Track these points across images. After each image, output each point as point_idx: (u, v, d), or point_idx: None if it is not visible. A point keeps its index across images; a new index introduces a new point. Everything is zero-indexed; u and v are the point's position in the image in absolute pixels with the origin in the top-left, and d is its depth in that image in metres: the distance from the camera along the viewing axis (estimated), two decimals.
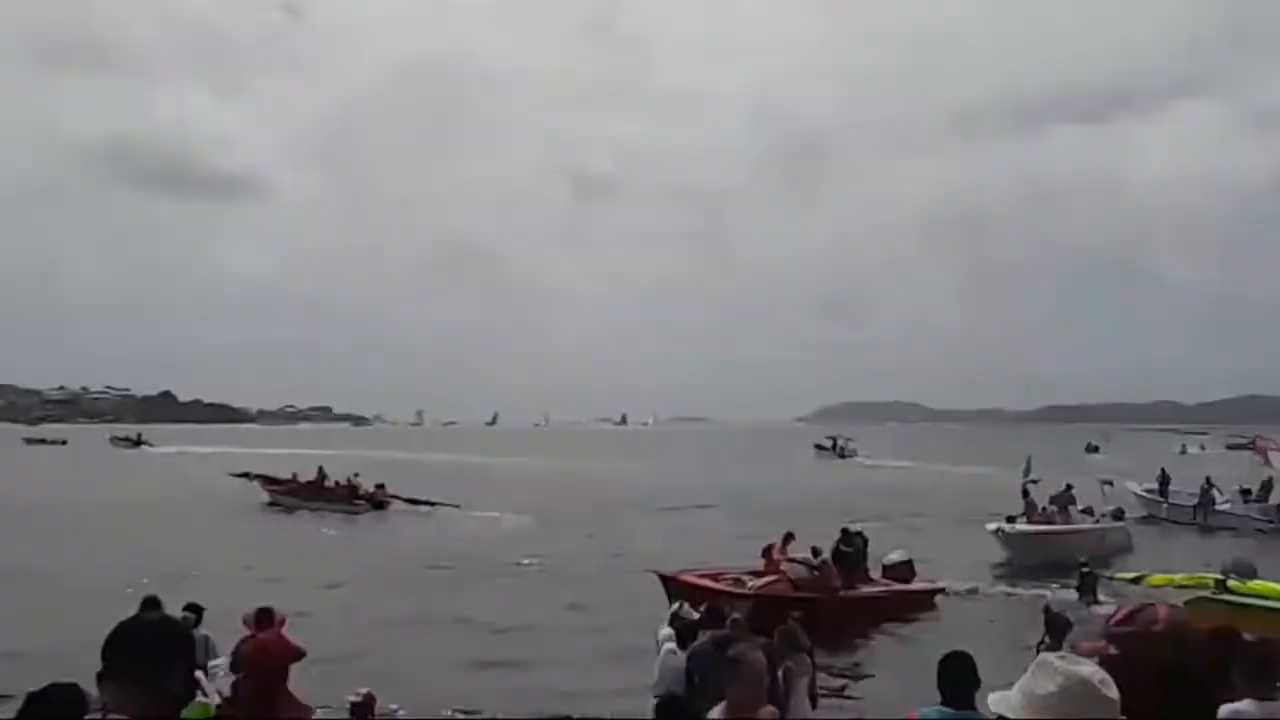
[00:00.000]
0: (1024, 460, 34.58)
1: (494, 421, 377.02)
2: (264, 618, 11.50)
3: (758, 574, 19.84)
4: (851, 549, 21.49)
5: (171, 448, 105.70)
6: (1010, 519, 29.28)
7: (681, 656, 10.76)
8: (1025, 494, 31.31)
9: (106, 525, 35.75)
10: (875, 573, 21.99)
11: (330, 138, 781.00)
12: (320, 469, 45.67)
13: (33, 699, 3.47)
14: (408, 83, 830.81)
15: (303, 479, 45.35)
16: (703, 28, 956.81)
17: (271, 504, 44.47)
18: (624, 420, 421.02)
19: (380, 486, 43.81)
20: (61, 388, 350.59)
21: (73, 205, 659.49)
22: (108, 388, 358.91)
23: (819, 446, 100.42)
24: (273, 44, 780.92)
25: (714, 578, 19.66)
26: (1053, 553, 26.89)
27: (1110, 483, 40.11)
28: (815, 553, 20.26)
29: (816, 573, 19.53)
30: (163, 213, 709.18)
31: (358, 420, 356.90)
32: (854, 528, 22.55)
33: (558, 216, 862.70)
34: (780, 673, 11.20)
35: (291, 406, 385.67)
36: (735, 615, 11.38)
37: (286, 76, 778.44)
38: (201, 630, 11.54)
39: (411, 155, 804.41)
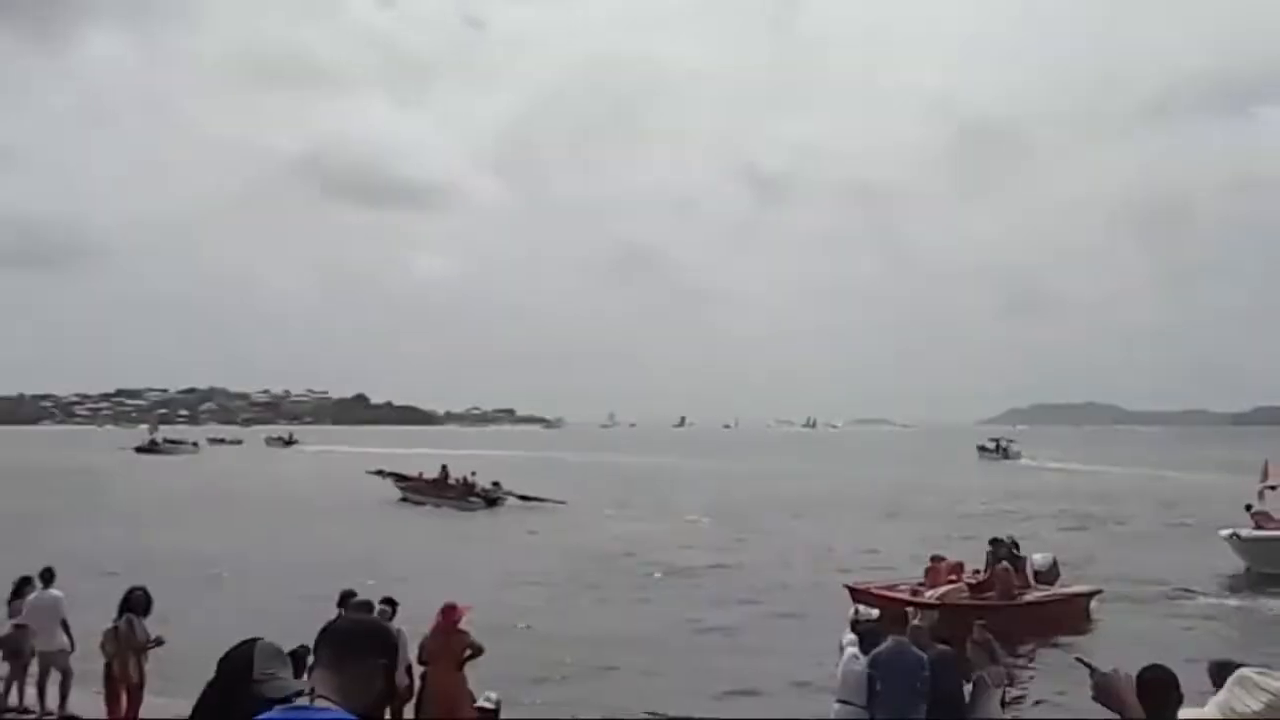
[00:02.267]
0: (1259, 466, 30.47)
1: (682, 424, 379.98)
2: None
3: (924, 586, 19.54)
4: (1016, 557, 20.88)
5: (316, 447, 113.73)
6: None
7: (863, 662, 10.63)
8: (1249, 508, 28.15)
9: (258, 519, 39.01)
10: None
11: (513, 144, 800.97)
12: (444, 467, 48.32)
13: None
14: (586, 87, 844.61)
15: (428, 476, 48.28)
16: (881, 20, 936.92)
17: (403, 499, 47.47)
18: (812, 423, 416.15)
19: (496, 484, 46.19)
20: (266, 391, 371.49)
21: (275, 216, 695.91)
22: (308, 390, 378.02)
23: (982, 448, 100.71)
24: (457, 54, 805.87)
25: (891, 588, 19.50)
26: None
27: None
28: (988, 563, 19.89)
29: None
30: (356, 222, 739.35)
31: (547, 424, 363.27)
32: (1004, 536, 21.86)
33: (736, 217, 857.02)
34: (971, 684, 10.96)
35: (477, 409, 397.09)
36: (917, 621, 11.18)
37: (471, 86, 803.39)
38: (395, 624, 11.91)
39: (592, 158, 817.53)
